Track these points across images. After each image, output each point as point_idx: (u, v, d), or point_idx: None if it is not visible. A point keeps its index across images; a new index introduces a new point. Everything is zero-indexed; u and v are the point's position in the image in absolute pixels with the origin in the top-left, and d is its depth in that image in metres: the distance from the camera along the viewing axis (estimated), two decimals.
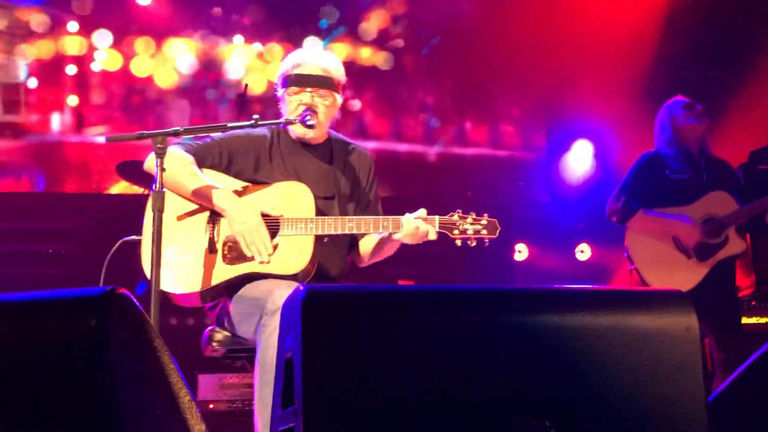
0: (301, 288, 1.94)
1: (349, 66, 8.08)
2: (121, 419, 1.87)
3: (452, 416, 1.84)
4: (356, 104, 8.17)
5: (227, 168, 3.65)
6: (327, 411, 1.82)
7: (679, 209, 5.09)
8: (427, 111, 8.40)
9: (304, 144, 3.72)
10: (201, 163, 3.60)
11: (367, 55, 8.23)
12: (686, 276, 5.01)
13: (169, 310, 3.68)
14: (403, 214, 3.56)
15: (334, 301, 1.91)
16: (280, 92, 3.71)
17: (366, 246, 3.77)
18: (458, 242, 3.55)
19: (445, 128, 8.39)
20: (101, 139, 7.89)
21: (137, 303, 1.98)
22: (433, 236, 3.53)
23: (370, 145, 8.15)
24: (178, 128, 3.39)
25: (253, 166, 3.66)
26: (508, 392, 1.89)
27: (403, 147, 8.28)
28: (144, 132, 3.33)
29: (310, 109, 3.60)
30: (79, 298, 1.90)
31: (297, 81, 3.63)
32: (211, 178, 3.57)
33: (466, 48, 8.04)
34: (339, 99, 3.71)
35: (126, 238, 3.83)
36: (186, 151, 3.58)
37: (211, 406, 5.36)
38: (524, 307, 1.98)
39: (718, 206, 5.08)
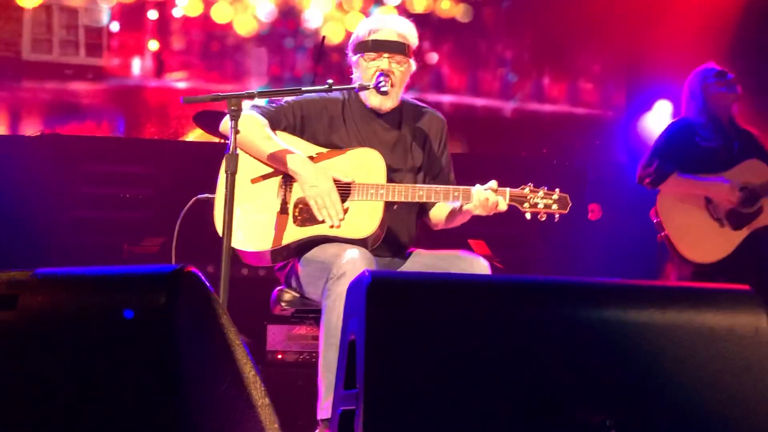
0: (367, 273, 1.95)
1: (428, 18, 8.05)
2: (187, 393, 1.92)
3: (514, 409, 1.85)
4: (433, 57, 8.11)
5: (301, 131, 3.67)
6: (388, 398, 1.84)
7: (713, 176, 4.97)
8: (505, 65, 8.30)
9: (375, 111, 3.71)
10: (275, 126, 3.63)
11: (446, 6, 8.13)
12: (719, 244, 4.91)
13: (241, 261, 3.74)
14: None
15: (399, 288, 1.92)
16: (354, 58, 3.69)
17: (438, 213, 3.77)
18: (528, 215, 3.52)
19: (523, 83, 8.28)
20: (181, 85, 7.99)
21: (206, 281, 2.02)
22: (503, 207, 3.50)
23: (446, 98, 8.10)
24: (253, 91, 3.41)
25: (326, 130, 3.68)
26: (570, 387, 1.88)
27: (479, 101, 8.20)
28: (219, 94, 3.36)
29: (385, 75, 3.58)
30: (149, 275, 1.94)
31: (374, 47, 3.62)
32: (284, 141, 3.60)
33: (547, 2, 7.90)
34: (413, 65, 3.69)
35: (200, 196, 3.89)
36: (261, 114, 3.61)
37: (279, 356, 5.46)
38: (589, 301, 1.97)
39: (753, 175, 4.97)
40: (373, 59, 3.62)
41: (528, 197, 3.51)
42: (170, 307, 1.90)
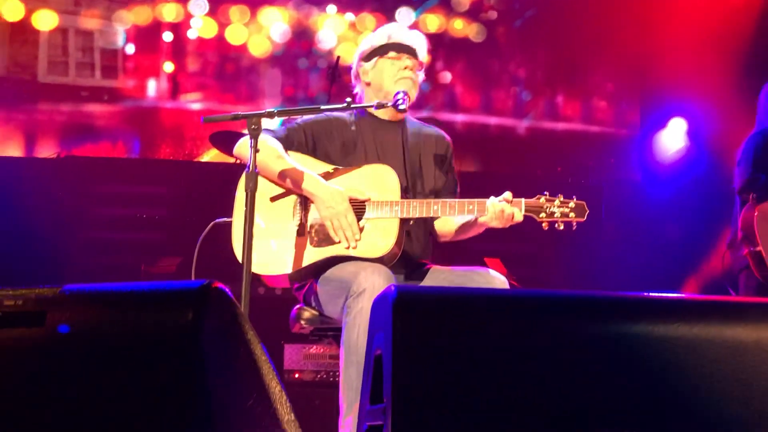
0: (393, 288, 1.95)
1: (441, 37, 8.09)
2: (213, 409, 1.92)
3: (539, 425, 1.85)
4: (447, 76, 8.13)
5: (313, 151, 3.68)
6: (415, 413, 1.83)
7: None
8: (519, 84, 8.32)
9: (383, 122, 3.73)
10: (287, 147, 3.64)
11: (459, 26, 8.17)
12: None
13: (257, 280, 3.74)
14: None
15: (425, 303, 1.92)
16: (368, 64, 3.71)
17: (442, 226, 3.76)
18: (545, 225, 3.46)
19: (536, 102, 8.30)
20: (196, 106, 8.03)
21: (232, 296, 2.02)
22: (519, 218, 3.44)
23: (459, 117, 8.12)
24: (272, 109, 3.41)
25: (338, 148, 3.69)
26: (596, 402, 1.88)
27: (492, 120, 8.22)
28: (239, 113, 3.37)
29: (405, 93, 3.60)
30: (177, 291, 1.95)
31: (397, 47, 3.67)
32: (297, 161, 3.60)
33: (560, 20, 7.93)
34: (422, 77, 3.76)
35: (217, 221, 3.90)
36: (273, 136, 3.62)
37: (296, 375, 5.45)
38: (616, 315, 1.96)
39: None
40: (397, 58, 3.66)
41: (544, 207, 3.46)
42: (197, 323, 1.90)
